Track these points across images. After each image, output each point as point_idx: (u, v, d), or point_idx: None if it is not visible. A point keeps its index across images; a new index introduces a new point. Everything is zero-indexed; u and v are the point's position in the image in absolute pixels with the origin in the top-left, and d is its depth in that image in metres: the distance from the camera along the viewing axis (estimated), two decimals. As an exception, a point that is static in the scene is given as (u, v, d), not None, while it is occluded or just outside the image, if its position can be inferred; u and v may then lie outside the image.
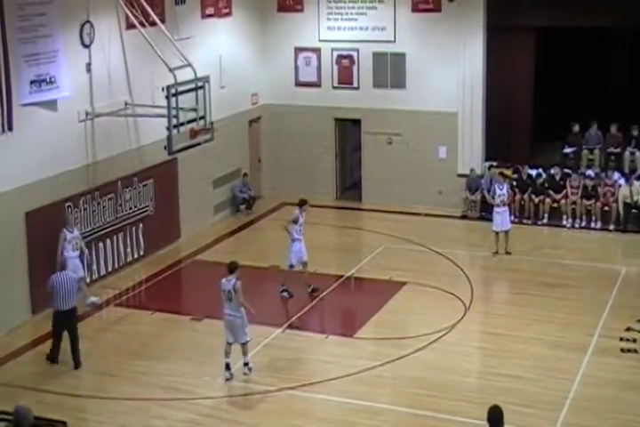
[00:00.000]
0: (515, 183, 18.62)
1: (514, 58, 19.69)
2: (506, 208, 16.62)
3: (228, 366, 11.91)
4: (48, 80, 13.92)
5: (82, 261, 14.28)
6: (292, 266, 14.81)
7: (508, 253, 16.51)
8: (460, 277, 15.61)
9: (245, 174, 19.48)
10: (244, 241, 18.06)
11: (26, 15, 13.49)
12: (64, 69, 14.18)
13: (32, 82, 13.70)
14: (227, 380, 11.85)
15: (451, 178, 19.29)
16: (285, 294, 14.78)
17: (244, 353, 11.93)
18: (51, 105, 14.20)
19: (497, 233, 16.53)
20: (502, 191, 16.54)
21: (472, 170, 18.96)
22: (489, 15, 18.78)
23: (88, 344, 13.40)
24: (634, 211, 17.89)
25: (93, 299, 14.27)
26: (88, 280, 14.97)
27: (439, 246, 17.02)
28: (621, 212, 17.86)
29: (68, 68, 14.27)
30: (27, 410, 7.94)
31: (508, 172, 18.91)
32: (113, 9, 15.45)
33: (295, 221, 14.68)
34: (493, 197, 16.65)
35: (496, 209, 16.48)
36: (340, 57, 19.82)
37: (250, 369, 11.95)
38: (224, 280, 11.96)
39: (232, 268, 12.00)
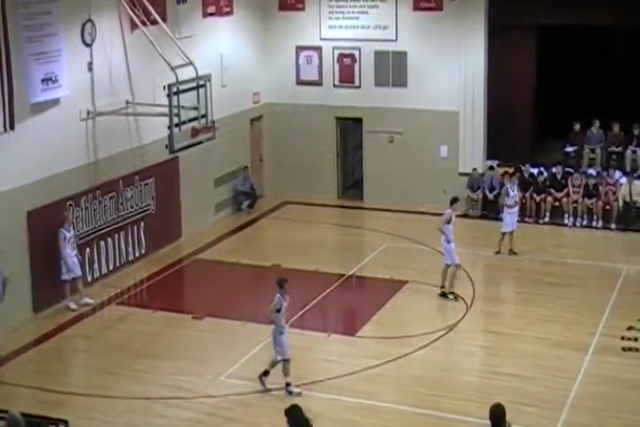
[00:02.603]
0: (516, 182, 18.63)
1: (515, 57, 19.67)
2: (517, 208, 16.55)
3: (265, 373, 11.57)
4: (53, 79, 13.94)
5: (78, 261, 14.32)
6: (449, 266, 14.56)
7: (514, 253, 16.41)
8: (462, 275, 15.59)
9: (246, 168, 19.40)
10: (246, 240, 18.06)
11: (31, 13, 13.50)
12: (65, 68, 14.20)
13: (43, 80, 13.72)
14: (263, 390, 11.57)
15: (452, 177, 19.28)
16: (444, 290, 14.53)
17: (283, 372, 11.52)
18: (53, 104, 14.21)
19: (504, 234, 16.38)
20: (514, 192, 16.45)
21: (474, 169, 18.95)
22: (490, 14, 18.77)
23: (90, 343, 13.44)
24: (634, 210, 17.89)
25: (88, 300, 14.33)
26: (89, 279, 15.01)
27: (440, 245, 16.97)
28: (621, 210, 17.85)
29: (67, 66, 14.27)
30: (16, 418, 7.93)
31: (511, 170, 18.90)
32: (114, 8, 15.44)
33: (448, 222, 14.61)
34: (506, 198, 16.50)
35: (508, 210, 16.34)
36: (342, 56, 19.81)
37: (289, 392, 11.42)
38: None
39: (279, 283, 11.58)
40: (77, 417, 10.64)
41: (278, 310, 11.37)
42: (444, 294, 14.53)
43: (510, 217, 16.37)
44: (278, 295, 11.48)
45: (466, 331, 13.45)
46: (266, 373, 11.58)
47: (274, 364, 11.57)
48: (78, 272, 14.26)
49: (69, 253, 14.07)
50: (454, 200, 14.90)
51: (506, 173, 18.15)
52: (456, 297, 14.47)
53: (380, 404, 11.33)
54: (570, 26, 18.80)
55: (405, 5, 19.12)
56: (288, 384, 11.52)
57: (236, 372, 12.15)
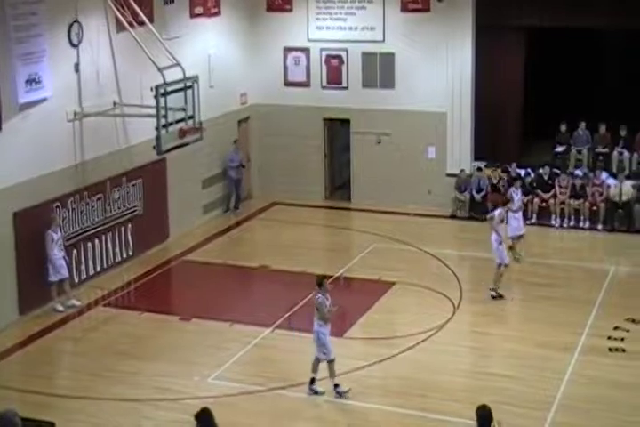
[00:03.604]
0: (500, 182, 18.70)
1: (503, 57, 19.72)
2: (521, 213, 16.48)
3: (312, 381, 11.50)
4: (37, 80, 13.90)
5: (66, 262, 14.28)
6: (501, 265, 14.58)
7: (516, 258, 16.07)
8: (449, 276, 15.63)
9: (236, 140, 19.20)
10: (234, 241, 18.05)
11: (19, 14, 13.46)
12: (48, 69, 14.15)
13: (27, 81, 13.68)
14: (310, 394, 11.44)
15: (440, 178, 19.32)
16: (494, 293, 14.53)
17: (329, 374, 11.42)
18: (39, 105, 14.16)
19: (512, 238, 16.04)
20: (519, 196, 16.36)
21: (462, 170, 18.99)
22: (478, 15, 18.81)
23: (76, 345, 13.39)
24: (620, 211, 17.99)
25: (75, 302, 14.29)
26: (76, 280, 14.96)
27: (428, 246, 17.05)
28: (608, 211, 17.92)
29: (52, 67, 14.22)
30: (12, 415, 7.87)
31: (491, 171, 18.96)
32: (101, 9, 15.40)
33: (502, 220, 14.68)
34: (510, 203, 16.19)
35: (513, 215, 16.08)
36: (330, 57, 19.82)
37: (339, 393, 11.35)
38: (314, 292, 11.53)
39: (318, 281, 11.45)
40: (64, 419, 10.59)
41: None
42: (498, 296, 14.50)
43: (516, 221, 16.08)
44: (320, 295, 11.32)
45: (454, 332, 13.47)
46: (312, 381, 11.47)
47: (315, 368, 11.45)
48: (65, 274, 14.22)
49: (57, 254, 14.03)
50: (507, 201, 15.20)
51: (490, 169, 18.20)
52: (500, 296, 14.46)
53: (368, 405, 11.33)
54: (557, 28, 18.87)
55: (393, 6, 19.14)
56: (337, 385, 11.40)
57: (223, 373, 12.14)
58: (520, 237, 16.22)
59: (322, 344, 11.37)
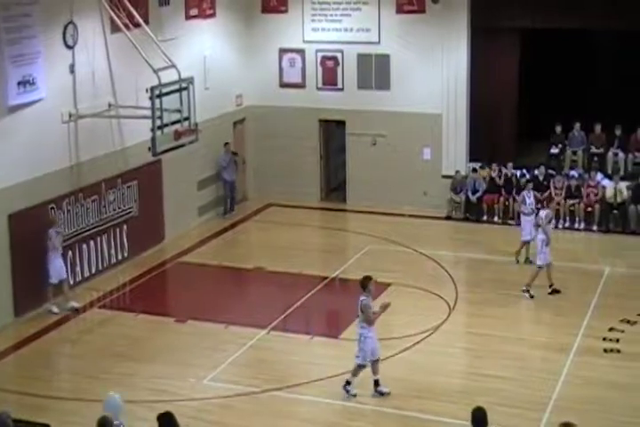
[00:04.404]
0: (492, 182, 18.76)
1: (498, 59, 19.74)
2: (534, 216, 16.43)
3: (376, 383, 11.45)
4: (31, 81, 13.88)
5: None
6: (548, 265, 14.63)
7: (531, 261, 15.80)
8: (445, 277, 15.64)
9: (227, 144, 19.02)
10: (229, 243, 18.04)
11: (11, 16, 13.44)
12: (42, 71, 14.13)
13: (19, 83, 13.65)
14: (348, 396, 11.39)
15: (435, 179, 19.34)
16: (527, 294, 14.59)
17: (352, 371, 11.39)
18: (34, 106, 14.14)
19: (524, 242, 15.97)
20: (531, 199, 16.27)
21: (457, 171, 19.02)
22: (473, 16, 18.84)
23: (72, 347, 13.38)
24: (615, 212, 18.02)
25: (74, 304, 14.27)
26: (72, 282, 14.93)
27: (424, 247, 17.06)
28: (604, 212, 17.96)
29: (45, 69, 14.19)
30: (6, 417, 7.86)
31: (485, 172, 19.01)
32: (97, 10, 15.39)
33: (550, 221, 14.74)
34: (522, 206, 16.27)
35: (526, 218, 16.01)
36: (325, 58, 19.83)
37: (347, 391, 11.35)
38: (359, 296, 11.41)
39: (362, 284, 11.32)
40: (60, 422, 10.58)
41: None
42: (555, 291, 14.64)
43: (529, 225, 15.93)
44: (364, 297, 11.20)
45: (449, 333, 13.48)
46: (376, 382, 11.45)
47: (357, 371, 11.42)
48: (64, 275, 14.21)
49: (57, 255, 14.02)
50: (551, 199, 15.36)
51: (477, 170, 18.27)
52: (531, 296, 14.56)
53: (364, 406, 11.33)
54: (551, 29, 18.91)
55: (388, 8, 19.16)
56: (349, 383, 11.40)
57: (218, 375, 12.13)
58: (529, 241, 16.02)
59: (361, 348, 11.29)
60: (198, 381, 11.95)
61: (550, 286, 14.72)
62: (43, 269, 14.12)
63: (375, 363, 11.43)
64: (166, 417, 8.21)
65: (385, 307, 11.36)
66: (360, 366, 11.40)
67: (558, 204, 18.30)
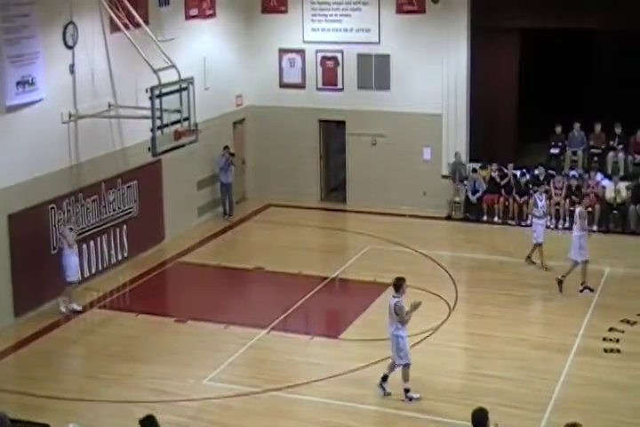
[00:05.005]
0: (495, 181, 18.76)
1: (498, 59, 19.74)
2: (547, 219, 16.39)
3: (384, 378, 11.42)
4: (30, 82, 13.87)
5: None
6: (585, 262, 14.78)
7: (546, 268, 15.86)
8: (445, 278, 15.64)
9: (226, 147, 18.91)
10: (229, 243, 18.04)
11: (10, 16, 13.43)
12: (42, 71, 14.12)
13: (18, 83, 13.65)
14: (384, 395, 11.41)
15: (435, 179, 19.33)
16: (587, 290, 14.71)
17: (402, 377, 11.32)
18: (34, 106, 14.14)
19: (537, 245, 15.93)
20: (543, 202, 16.23)
21: (456, 153, 18.92)
22: (473, 16, 18.83)
23: (72, 347, 13.37)
24: (615, 212, 18.02)
25: (76, 307, 14.28)
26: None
27: (424, 247, 17.06)
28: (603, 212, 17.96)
29: (44, 69, 14.19)
30: (3, 416, 7.86)
31: (485, 172, 19.02)
32: (96, 10, 15.39)
33: (585, 218, 14.88)
34: (534, 209, 16.19)
35: (538, 221, 15.95)
36: (325, 58, 19.83)
37: (409, 398, 11.26)
38: (390, 297, 11.43)
39: (396, 285, 11.33)
40: (59, 422, 10.53)
41: (397, 313, 11.16)
42: (587, 288, 14.75)
43: (541, 228, 15.92)
44: (398, 298, 11.22)
45: (449, 333, 13.48)
46: (385, 378, 11.45)
47: (392, 367, 11.43)
48: (75, 276, 14.24)
49: (73, 252, 14.12)
50: (585, 195, 15.48)
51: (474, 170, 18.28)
52: (591, 289, 14.74)
53: (364, 406, 11.32)
54: (551, 29, 18.91)
55: (388, 8, 19.16)
56: (407, 390, 11.33)
57: (218, 375, 12.12)
58: (541, 244, 15.97)
59: (400, 348, 11.26)
60: (198, 381, 11.95)
61: (582, 283, 14.81)
62: (43, 269, 14.13)
63: (406, 368, 11.39)
64: (148, 420, 8.14)
65: (416, 306, 11.29)
66: (406, 366, 11.34)
67: (558, 204, 18.31)
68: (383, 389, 11.45)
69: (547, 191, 17.86)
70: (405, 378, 11.35)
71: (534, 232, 16.00)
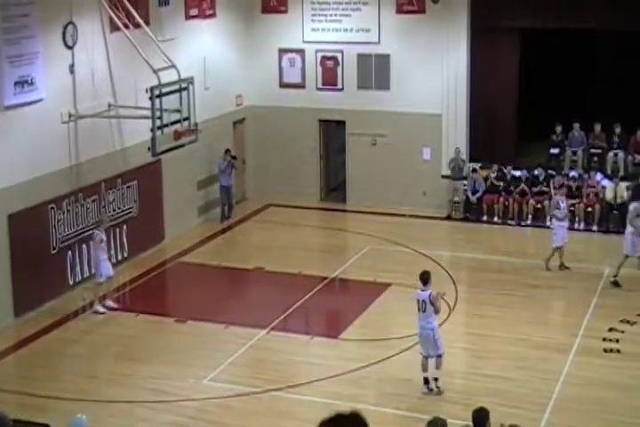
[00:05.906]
0: (493, 183, 18.75)
1: (498, 59, 19.75)
2: (567, 221, 16.36)
3: (426, 381, 11.55)
4: (29, 82, 13.87)
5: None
6: (628, 256, 15.08)
7: (566, 267, 15.86)
8: (445, 277, 15.63)
9: (227, 150, 18.82)
10: (229, 243, 18.03)
11: (10, 16, 13.44)
12: (42, 71, 14.12)
13: (16, 83, 13.65)
14: (424, 393, 11.54)
15: (435, 179, 19.33)
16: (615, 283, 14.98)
17: (437, 366, 11.59)
18: (34, 106, 14.14)
19: (556, 248, 15.85)
20: (564, 204, 16.19)
21: (457, 148, 18.91)
22: (473, 16, 18.83)
23: (72, 347, 13.36)
24: (614, 212, 18.02)
25: (112, 304, 14.32)
26: (71, 282, 14.93)
27: (424, 247, 17.05)
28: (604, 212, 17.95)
29: (44, 69, 14.20)
30: (3, 417, 7.85)
31: (485, 172, 19.02)
32: (96, 10, 15.39)
33: (638, 215, 15.06)
34: (555, 211, 16.09)
35: (559, 223, 15.92)
36: (325, 58, 19.82)
37: (438, 388, 11.52)
38: (419, 291, 11.63)
39: (424, 278, 11.62)
40: (60, 422, 10.56)
41: (433, 304, 11.47)
42: (615, 283, 14.95)
43: (562, 230, 15.90)
44: (429, 291, 11.52)
45: (448, 333, 13.42)
46: (435, 379, 11.57)
47: (440, 365, 11.59)
48: (111, 273, 14.39)
49: (104, 254, 14.24)
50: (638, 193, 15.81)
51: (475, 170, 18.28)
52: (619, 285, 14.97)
53: (364, 406, 11.29)
54: (551, 29, 18.91)
55: (388, 8, 19.16)
56: (437, 379, 11.57)
57: (219, 375, 12.13)
58: (561, 247, 15.92)
59: (436, 339, 11.53)
60: (198, 381, 11.95)
61: (614, 277, 15.07)
62: (43, 269, 14.14)
63: (439, 357, 11.60)
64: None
65: (442, 295, 11.99)
66: (441, 356, 11.59)
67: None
68: (434, 388, 11.53)
69: (547, 192, 17.86)
70: (439, 367, 11.56)
71: (555, 235, 15.88)
